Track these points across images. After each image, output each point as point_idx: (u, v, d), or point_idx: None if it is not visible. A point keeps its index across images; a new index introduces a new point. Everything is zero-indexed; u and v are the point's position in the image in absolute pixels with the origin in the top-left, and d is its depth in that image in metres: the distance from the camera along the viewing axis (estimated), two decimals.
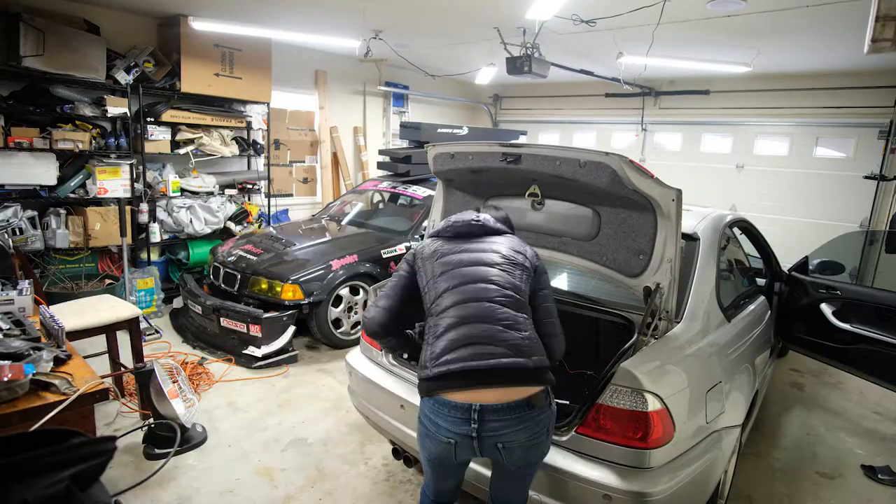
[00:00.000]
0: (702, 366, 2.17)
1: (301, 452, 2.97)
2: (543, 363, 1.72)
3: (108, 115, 4.60)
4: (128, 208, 4.60)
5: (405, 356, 2.36)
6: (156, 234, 5.07)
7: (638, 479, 1.81)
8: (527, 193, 2.47)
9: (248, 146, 5.79)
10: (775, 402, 3.74)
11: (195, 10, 4.75)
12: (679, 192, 1.98)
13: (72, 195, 4.59)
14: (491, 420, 1.63)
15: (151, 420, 2.87)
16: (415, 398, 2.29)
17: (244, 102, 5.62)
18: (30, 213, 4.37)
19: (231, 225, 5.59)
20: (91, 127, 4.56)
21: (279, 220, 6.32)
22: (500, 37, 4.83)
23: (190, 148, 5.21)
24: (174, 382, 2.91)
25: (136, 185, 4.88)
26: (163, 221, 5.17)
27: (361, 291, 4.41)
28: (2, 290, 2.39)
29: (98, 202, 4.71)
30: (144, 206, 4.95)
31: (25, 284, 2.40)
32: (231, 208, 5.62)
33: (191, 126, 5.20)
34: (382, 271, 4.42)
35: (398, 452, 2.55)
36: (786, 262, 3.58)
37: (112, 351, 3.31)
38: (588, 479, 1.85)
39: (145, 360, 3.15)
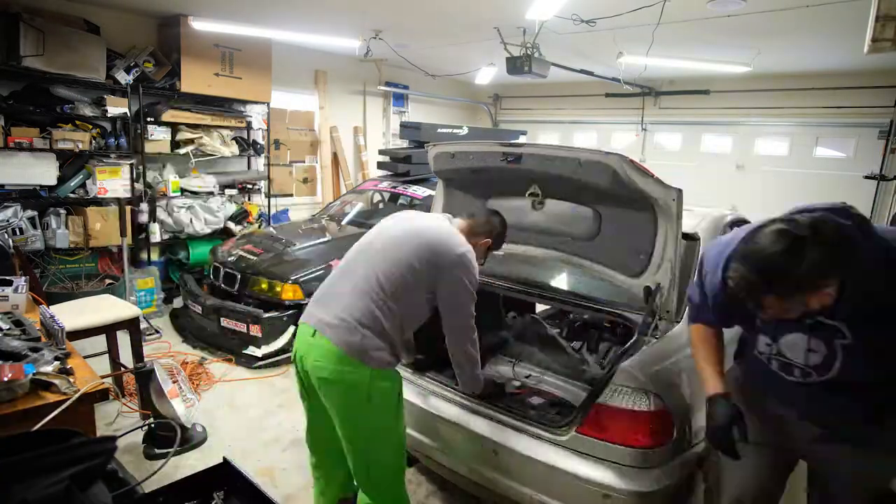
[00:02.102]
0: None
1: (301, 452, 2.96)
2: None
3: (108, 115, 4.60)
4: (128, 208, 4.59)
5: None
6: (156, 234, 5.06)
7: (637, 478, 1.81)
8: (527, 193, 2.47)
9: (248, 146, 5.79)
10: None
11: (195, 10, 4.75)
12: (679, 191, 1.98)
13: (72, 195, 4.59)
14: None
15: (151, 420, 2.86)
16: (414, 398, 2.29)
17: (244, 102, 5.62)
18: (30, 213, 4.36)
19: (231, 225, 5.59)
20: (91, 127, 4.56)
21: (279, 220, 6.31)
22: (500, 37, 4.82)
23: (190, 148, 5.20)
24: (174, 382, 2.91)
25: (136, 185, 4.87)
26: (163, 221, 5.16)
27: None
28: None
29: (98, 202, 4.70)
30: (144, 206, 4.94)
31: (21, 282, 2.35)
32: (231, 208, 5.62)
33: (191, 126, 5.20)
34: None
35: None
36: None
37: (112, 351, 3.31)
38: (588, 478, 1.85)
39: (145, 360, 3.16)
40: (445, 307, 1.94)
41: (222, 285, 4.37)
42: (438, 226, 2.01)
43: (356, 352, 1.78)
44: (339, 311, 1.83)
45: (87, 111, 4.50)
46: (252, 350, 4.01)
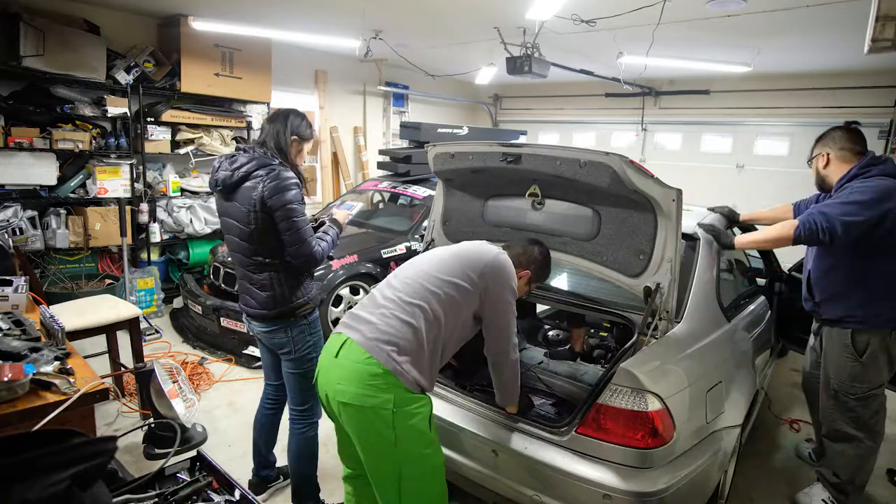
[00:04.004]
0: (702, 366, 2.16)
1: None
2: None
3: (108, 115, 4.60)
4: (128, 208, 4.60)
5: None
6: (156, 234, 5.07)
7: (638, 479, 1.81)
8: (527, 193, 2.47)
9: None
10: (775, 402, 3.74)
11: (195, 10, 4.75)
12: (679, 192, 1.98)
13: (72, 195, 4.59)
14: None
15: (151, 420, 2.86)
16: None
17: (244, 102, 5.62)
18: (30, 213, 4.36)
19: None
20: (91, 127, 4.56)
21: None
22: (500, 37, 4.83)
23: (190, 148, 5.21)
24: (174, 382, 2.90)
25: (136, 185, 4.88)
26: (163, 221, 5.17)
27: (361, 291, 4.41)
28: None
29: (98, 202, 4.70)
30: (144, 206, 4.95)
31: (21, 282, 2.34)
32: None
33: (191, 126, 5.20)
34: (382, 271, 4.42)
35: None
36: (786, 262, 3.57)
37: (112, 351, 3.31)
38: (588, 479, 1.85)
39: (145, 360, 3.16)
40: (489, 309, 1.89)
41: (222, 285, 4.37)
42: (479, 245, 2.03)
43: (385, 359, 1.67)
44: (379, 324, 1.75)
45: (87, 111, 4.50)
46: (252, 350, 4.01)
